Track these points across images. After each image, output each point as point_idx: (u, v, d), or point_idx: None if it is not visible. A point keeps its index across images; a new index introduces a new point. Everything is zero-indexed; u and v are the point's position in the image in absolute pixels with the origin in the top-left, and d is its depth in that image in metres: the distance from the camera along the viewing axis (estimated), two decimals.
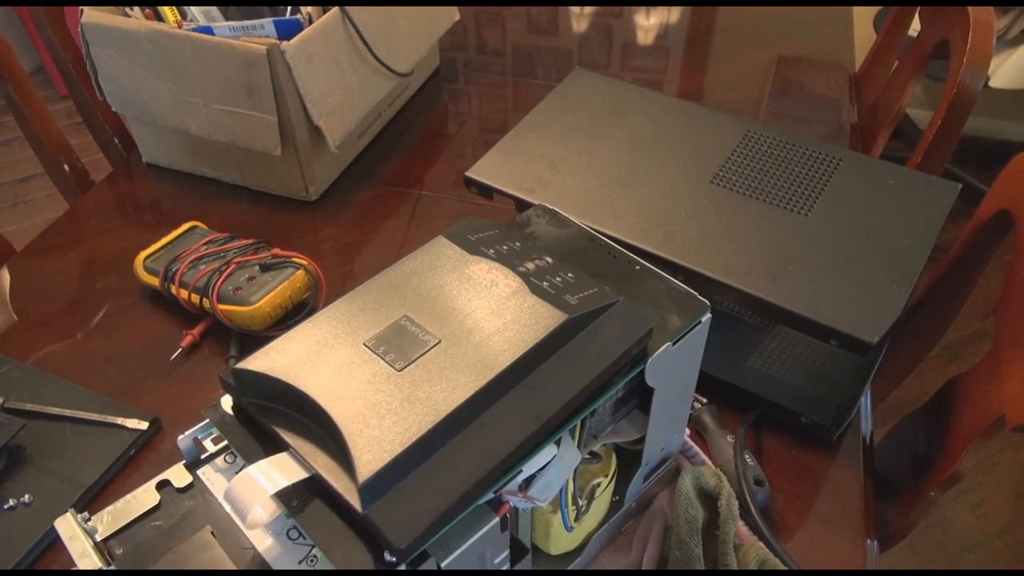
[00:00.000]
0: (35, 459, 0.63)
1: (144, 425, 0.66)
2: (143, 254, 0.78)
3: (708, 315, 0.50)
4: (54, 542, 0.59)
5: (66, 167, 1.02)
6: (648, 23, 1.27)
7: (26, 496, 0.60)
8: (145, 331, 0.77)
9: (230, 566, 0.40)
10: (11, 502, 0.60)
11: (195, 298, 0.73)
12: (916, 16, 1.06)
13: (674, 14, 1.29)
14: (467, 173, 0.72)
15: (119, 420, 0.66)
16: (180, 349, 0.73)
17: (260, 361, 0.42)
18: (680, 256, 0.63)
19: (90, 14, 0.83)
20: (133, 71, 0.85)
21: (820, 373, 0.68)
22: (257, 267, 0.74)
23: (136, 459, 0.65)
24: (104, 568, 0.38)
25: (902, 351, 0.81)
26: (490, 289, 0.45)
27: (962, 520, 1.41)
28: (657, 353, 0.47)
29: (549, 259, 0.49)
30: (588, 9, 1.30)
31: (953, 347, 1.67)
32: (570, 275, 0.47)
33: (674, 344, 0.48)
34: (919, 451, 0.71)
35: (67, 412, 0.66)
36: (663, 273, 0.52)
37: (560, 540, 0.54)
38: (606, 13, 1.29)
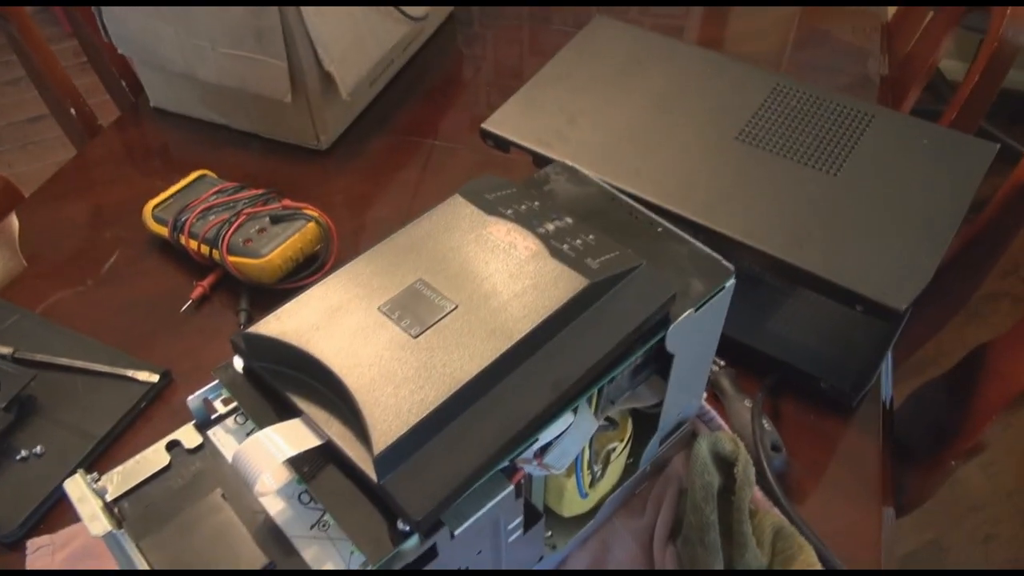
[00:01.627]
0: (46, 410, 0.63)
1: (155, 378, 0.65)
2: (152, 203, 0.77)
3: (732, 281, 0.48)
4: (62, 497, 0.59)
5: (72, 111, 1.00)
6: None
7: (38, 447, 0.60)
8: (154, 282, 0.76)
9: (241, 530, 0.39)
10: (23, 453, 0.60)
11: (205, 249, 0.72)
12: None
13: None
14: (483, 126, 0.70)
15: (129, 372, 0.65)
16: (190, 301, 0.72)
17: (272, 325, 0.41)
18: (702, 216, 0.61)
19: None
20: (139, 13, 0.83)
21: (841, 338, 0.66)
22: (267, 218, 0.72)
23: (147, 412, 0.65)
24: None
25: (926, 313, 0.79)
26: (508, 252, 0.44)
27: (972, 479, 1.41)
28: (679, 320, 0.45)
29: (569, 220, 0.47)
30: None
31: (971, 306, 1.65)
32: (591, 237, 0.46)
33: (696, 311, 0.46)
34: (940, 419, 0.69)
35: (77, 363, 0.66)
36: (686, 236, 0.50)
37: (574, 503, 0.54)
38: None
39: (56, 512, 0.58)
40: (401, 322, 0.40)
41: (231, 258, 0.70)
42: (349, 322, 0.40)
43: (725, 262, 0.48)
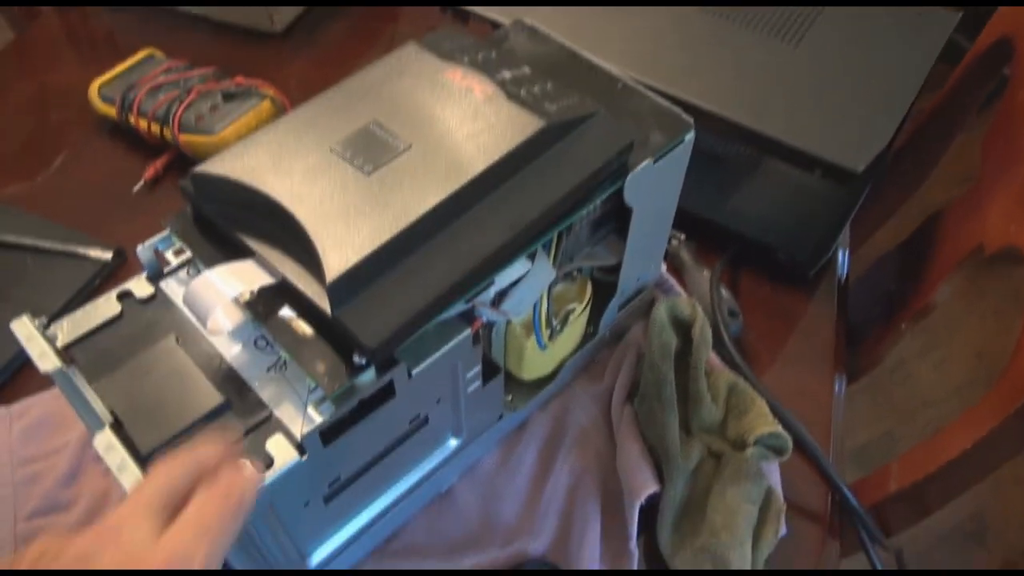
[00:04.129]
0: None
1: (107, 256, 0.64)
2: (98, 82, 0.74)
3: (692, 133, 0.48)
4: (18, 370, 0.58)
5: None
6: None
7: None
8: (105, 164, 0.73)
9: (196, 372, 0.39)
10: None
11: (155, 128, 0.70)
12: None
13: None
14: None
15: (80, 250, 0.64)
16: (142, 182, 0.70)
17: (221, 165, 0.40)
18: (666, 84, 0.60)
19: None
20: None
21: (800, 211, 0.67)
22: (220, 96, 0.70)
23: (101, 290, 0.63)
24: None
25: (883, 195, 0.80)
26: (464, 95, 0.43)
27: (925, 376, 1.45)
28: (637, 169, 0.45)
29: (527, 69, 0.46)
30: None
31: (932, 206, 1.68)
32: (548, 85, 0.45)
33: (655, 161, 0.46)
34: (893, 290, 0.71)
35: (26, 241, 0.64)
36: (646, 91, 0.49)
37: (533, 364, 0.54)
38: None
39: (12, 386, 0.58)
40: (354, 161, 0.39)
41: (183, 136, 0.68)
42: (300, 161, 0.39)
43: (685, 116, 0.48)
